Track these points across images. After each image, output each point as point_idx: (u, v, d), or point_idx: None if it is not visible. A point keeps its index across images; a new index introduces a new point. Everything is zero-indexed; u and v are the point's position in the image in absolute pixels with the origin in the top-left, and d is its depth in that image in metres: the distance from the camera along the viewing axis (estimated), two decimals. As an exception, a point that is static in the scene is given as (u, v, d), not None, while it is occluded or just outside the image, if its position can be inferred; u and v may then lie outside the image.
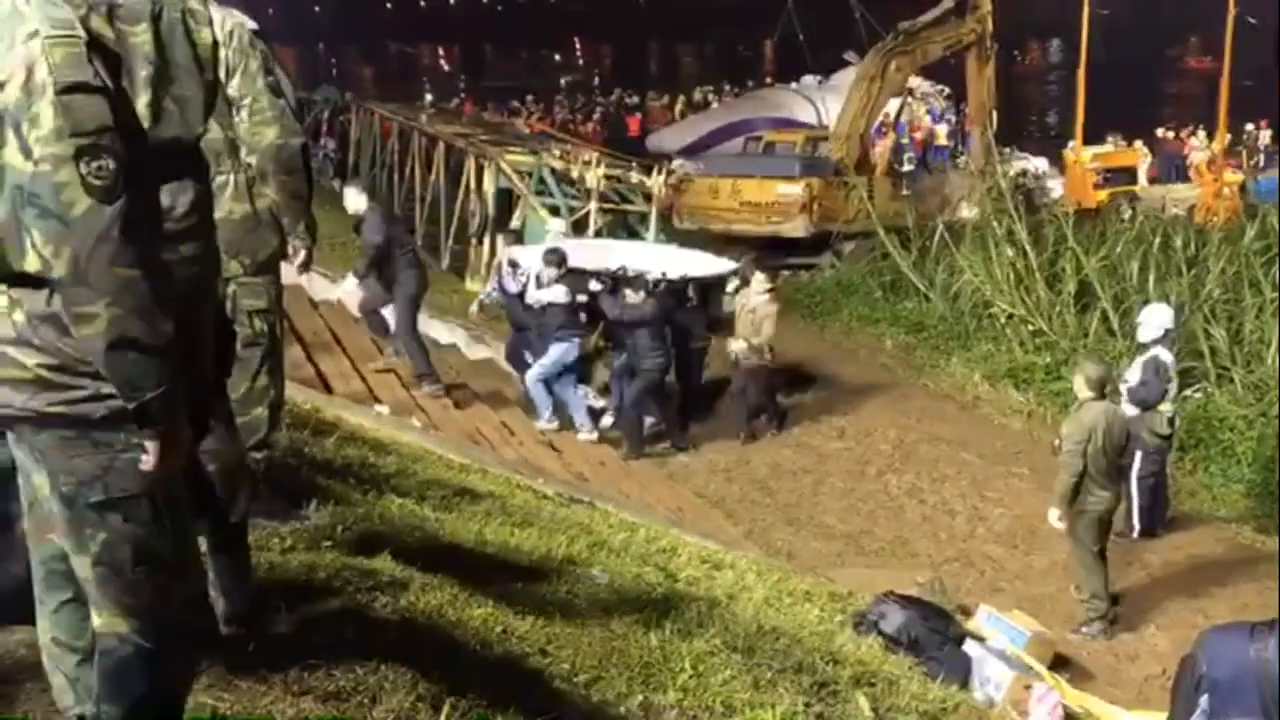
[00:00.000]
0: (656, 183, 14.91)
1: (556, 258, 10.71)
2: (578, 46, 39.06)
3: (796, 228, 16.44)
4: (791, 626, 5.19)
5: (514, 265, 11.07)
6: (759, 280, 11.26)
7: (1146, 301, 12.54)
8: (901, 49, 18.12)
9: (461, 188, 15.99)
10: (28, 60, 1.87)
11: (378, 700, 2.86)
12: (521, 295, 10.79)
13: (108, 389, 1.98)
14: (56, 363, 1.98)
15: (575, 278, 10.65)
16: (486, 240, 14.63)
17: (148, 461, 2.04)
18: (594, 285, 10.75)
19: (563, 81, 33.77)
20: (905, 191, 17.88)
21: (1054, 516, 7.64)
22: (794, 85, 25.16)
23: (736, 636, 4.46)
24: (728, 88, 30.55)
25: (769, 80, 30.91)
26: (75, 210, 1.87)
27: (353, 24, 60.81)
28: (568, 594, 4.36)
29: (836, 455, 10.95)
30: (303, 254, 3.66)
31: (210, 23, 2.42)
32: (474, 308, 11.88)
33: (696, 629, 4.39)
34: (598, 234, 13.74)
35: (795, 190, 16.38)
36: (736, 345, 11.14)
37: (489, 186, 15.16)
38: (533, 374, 10.58)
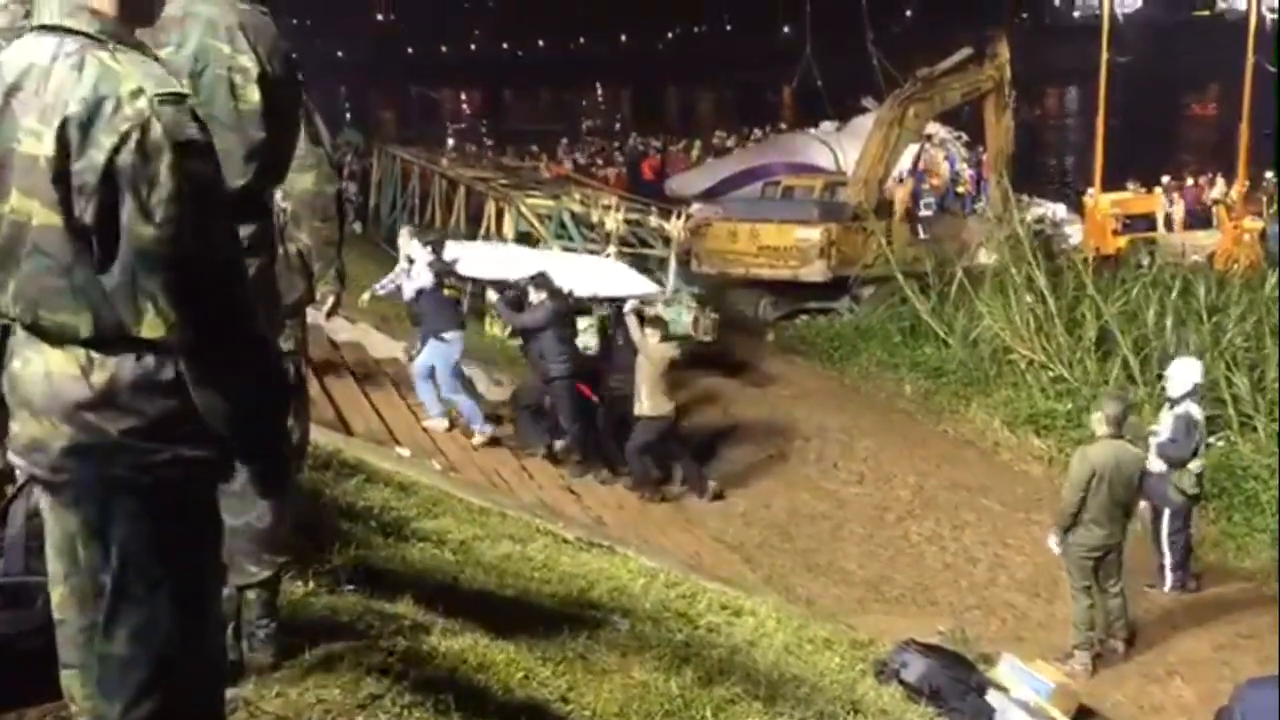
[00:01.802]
0: (675, 227, 14.97)
1: (435, 238, 10.52)
2: (599, 91, 39.44)
3: (814, 272, 16.47)
4: (812, 674, 5.15)
5: (410, 261, 10.72)
6: (651, 331, 10.41)
7: (1167, 348, 12.52)
8: (920, 96, 18.23)
9: (481, 231, 16.09)
10: (140, 120, 1.81)
11: (400, 746, 2.84)
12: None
13: (188, 452, 1.91)
14: (142, 426, 1.89)
15: (445, 266, 10.26)
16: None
17: (261, 522, 2.00)
18: (491, 295, 10.47)
19: (584, 126, 34.03)
20: (924, 236, 17.90)
21: (1052, 542, 7.92)
22: (812, 130, 25.28)
23: (758, 684, 4.43)
24: (750, 132, 30.74)
25: (785, 126, 31.09)
26: (199, 272, 1.83)
27: (375, 68, 61.67)
28: (588, 640, 4.34)
29: (856, 501, 10.90)
30: (331, 299, 3.70)
31: (261, 80, 2.44)
32: (365, 297, 11.16)
33: (718, 676, 4.36)
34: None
35: (813, 235, 16.42)
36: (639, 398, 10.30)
37: (509, 230, 15.25)
38: (417, 372, 10.21)
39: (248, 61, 2.47)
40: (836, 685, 5.11)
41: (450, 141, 29.47)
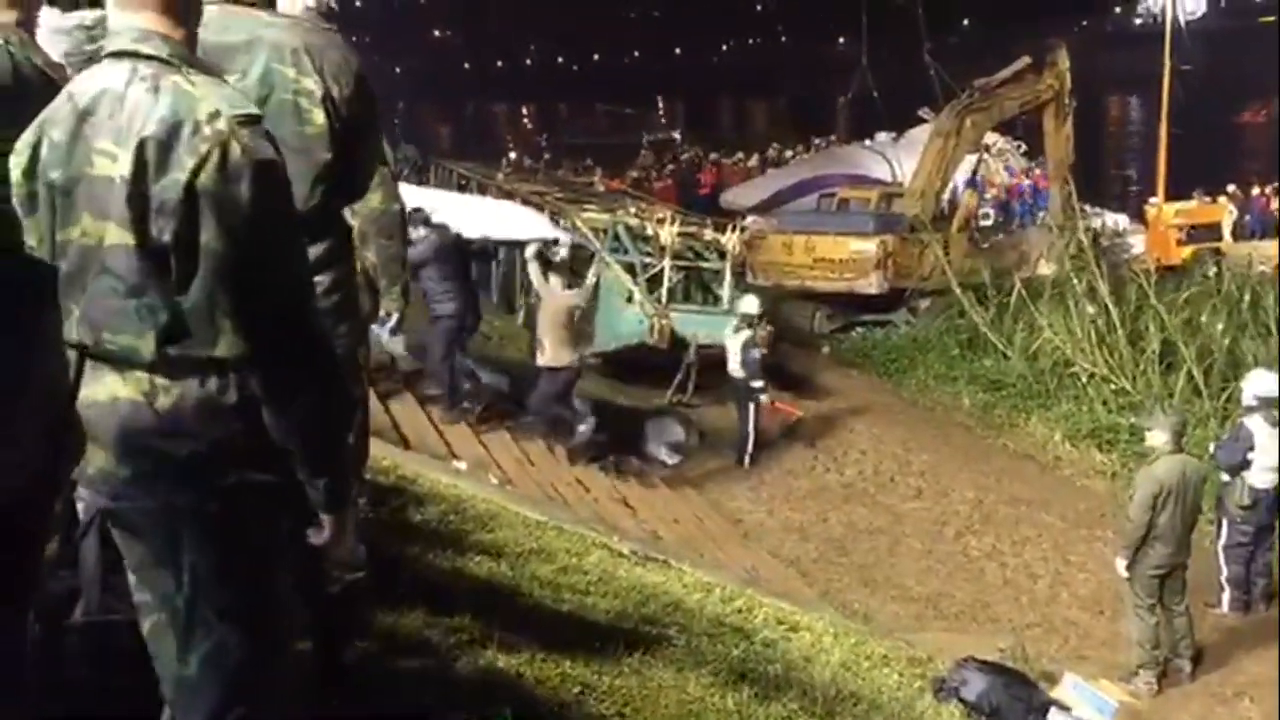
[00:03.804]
0: (730, 239, 14.96)
1: None
2: (654, 105, 39.54)
3: (870, 284, 16.36)
4: (870, 691, 5.11)
5: None
6: (555, 279, 10.18)
7: (1232, 361, 12.28)
8: (978, 106, 18.08)
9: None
10: (219, 141, 1.84)
11: (459, 761, 2.87)
12: None
13: (254, 477, 1.92)
14: (207, 451, 1.90)
15: None
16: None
17: (320, 536, 1.99)
18: None
19: (645, 139, 34.07)
20: (983, 247, 17.73)
21: (1120, 566, 7.73)
22: (868, 142, 25.18)
23: (814, 701, 4.40)
24: (806, 144, 30.64)
25: (840, 138, 30.97)
26: (279, 293, 1.86)
27: (432, 83, 62.31)
28: (644, 654, 4.34)
29: (913, 515, 10.79)
30: (395, 317, 3.75)
31: (325, 102, 2.48)
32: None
33: (774, 692, 4.34)
34: (671, 292, 13.81)
35: (870, 247, 16.33)
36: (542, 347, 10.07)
37: (564, 242, 15.31)
38: None
39: (312, 84, 2.51)
40: (894, 703, 5.06)
41: (510, 155, 29.68)
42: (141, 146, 1.83)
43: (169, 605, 1.94)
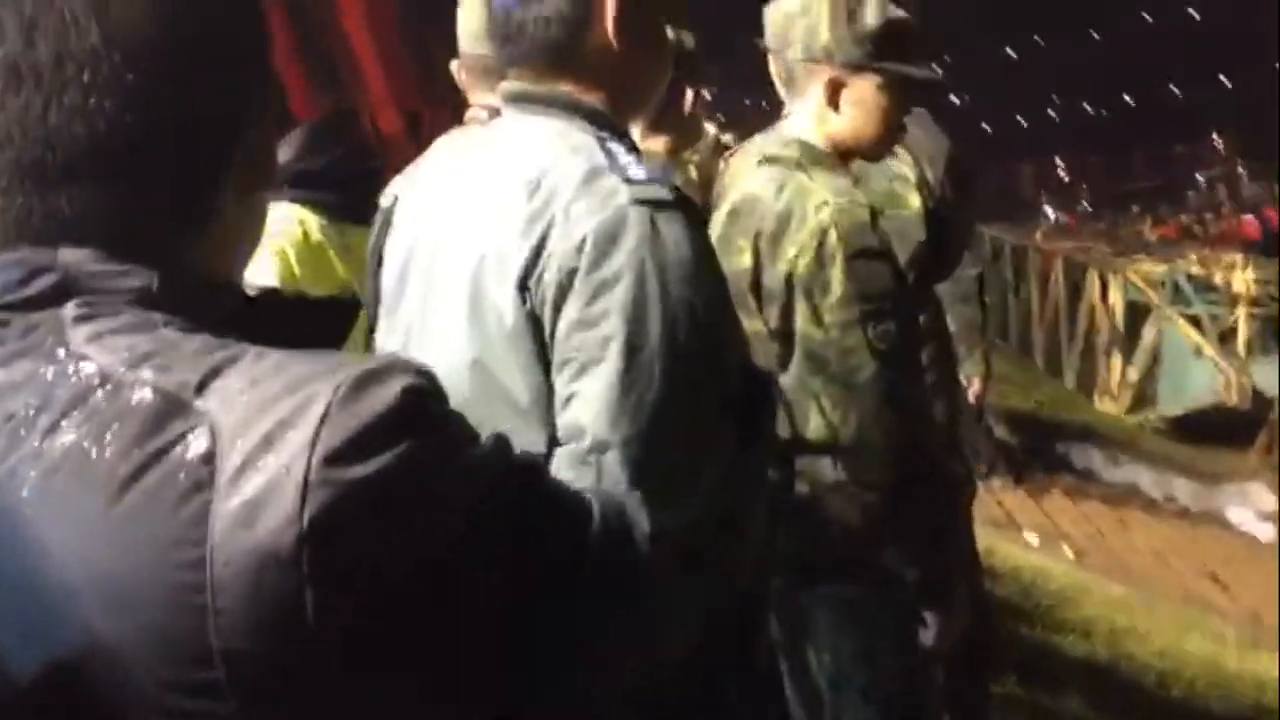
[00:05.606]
0: (1318, 279, 13.21)
1: None
2: (1209, 137, 35.95)
3: None
4: None
5: None
6: None
7: None
8: None
9: (1084, 303, 15.38)
10: (819, 229, 1.92)
11: None
12: None
13: (884, 562, 1.95)
14: (841, 535, 1.94)
15: None
16: (1117, 357, 13.93)
17: (929, 635, 1.99)
18: None
19: (1199, 177, 31.18)
20: None
21: None
22: None
23: None
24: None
25: None
26: (861, 375, 1.89)
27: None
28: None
29: None
30: (977, 383, 3.81)
31: (919, 186, 2.58)
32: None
33: None
34: (1248, 345, 12.47)
35: None
36: None
37: (1116, 300, 14.44)
38: None
39: (907, 169, 2.60)
40: None
41: (1044, 212, 28.60)
42: (757, 239, 1.96)
43: (813, 685, 2.01)
